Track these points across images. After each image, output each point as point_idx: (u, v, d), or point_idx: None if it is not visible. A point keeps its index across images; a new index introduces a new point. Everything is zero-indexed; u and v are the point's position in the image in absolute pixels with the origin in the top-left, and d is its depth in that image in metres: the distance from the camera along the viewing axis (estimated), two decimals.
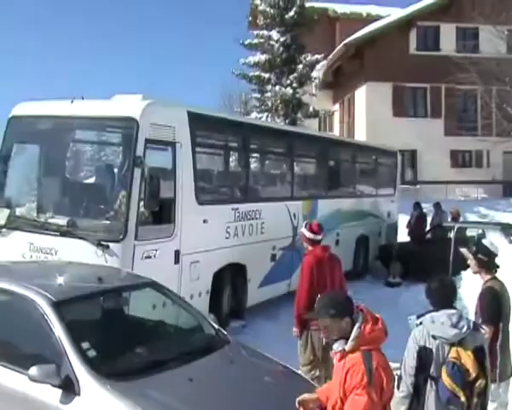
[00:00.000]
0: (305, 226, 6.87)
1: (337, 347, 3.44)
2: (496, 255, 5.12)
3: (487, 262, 5.08)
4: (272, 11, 23.92)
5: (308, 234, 6.70)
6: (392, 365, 4.07)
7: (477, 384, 3.68)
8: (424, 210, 17.32)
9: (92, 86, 61.97)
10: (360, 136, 27.76)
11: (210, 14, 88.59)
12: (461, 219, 16.71)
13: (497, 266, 5.14)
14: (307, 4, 24.68)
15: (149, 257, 7.44)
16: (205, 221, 8.60)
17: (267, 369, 5.06)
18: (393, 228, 16.46)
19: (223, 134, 10.37)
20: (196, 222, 8.40)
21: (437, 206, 17.16)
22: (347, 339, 3.40)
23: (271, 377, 4.99)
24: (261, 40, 24.33)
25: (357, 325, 3.40)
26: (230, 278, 9.44)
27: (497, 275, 5.16)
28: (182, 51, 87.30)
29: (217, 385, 4.32)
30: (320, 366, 6.46)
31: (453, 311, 3.86)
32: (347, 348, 3.38)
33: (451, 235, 13.45)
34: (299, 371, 6.08)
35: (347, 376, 3.30)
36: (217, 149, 10.93)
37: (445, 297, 3.94)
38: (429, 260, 12.75)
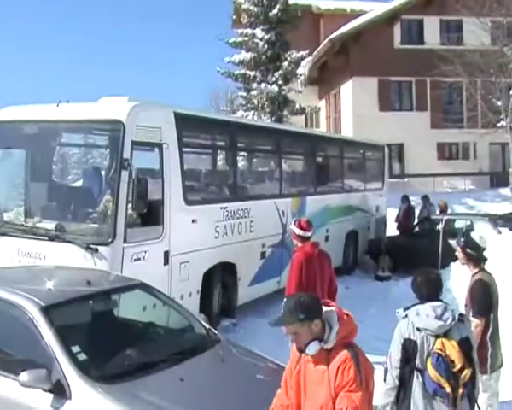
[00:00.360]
0: (295, 223, 6.89)
1: (313, 349, 3.31)
2: (484, 249, 5.17)
3: (476, 256, 5.13)
4: (256, 9, 23.96)
5: (297, 231, 6.72)
6: (382, 357, 4.12)
7: (462, 375, 3.71)
8: (412, 203, 17.41)
9: (77, 90, 61.47)
10: (347, 131, 27.85)
11: (194, 12, 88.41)
12: (449, 211, 16.83)
13: (486, 259, 5.19)
14: (291, 1, 24.73)
15: (139, 259, 7.42)
16: (194, 221, 8.60)
17: (258, 367, 5.08)
18: (382, 222, 16.52)
19: (210, 134, 10.38)
20: (185, 222, 8.40)
21: (425, 199, 17.25)
22: (320, 340, 3.31)
23: (263, 374, 5.00)
24: (245, 38, 24.36)
25: (334, 320, 3.33)
26: (220, 277, 9.45)
27: (485, 267, 5.21)
28: (167, 51, 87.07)
29: (208, 385, 4.34)
30: None
31: (438, 303, 3.89)
32: (330, 345, 3.30)
33: (440, 227, 13.53)
34: None
35: (338, 374, 3.21)
36: (204, 148, 10.93)
37: (430, 290, 3.96)
38: (418, 253, 12.84)
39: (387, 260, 14.31)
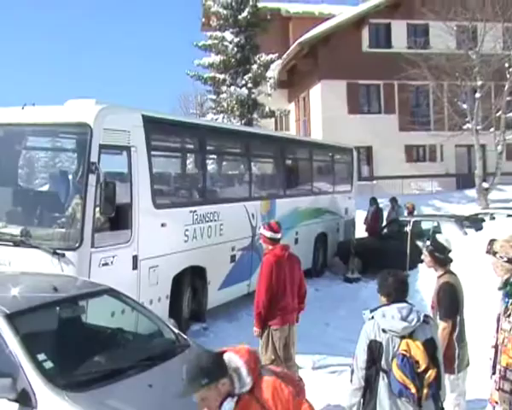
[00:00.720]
0: (264, 227, 6.90)
1: (228, 407, 3.14)
2: (450, 251, 5.25)
3: (443, 258, 5.21)
4: (225, 12, 23.94)
5: (268, 233, 6.73)
6: (350, 359, 4.15)
7: (427, 376, 3.76)
8: (381, 205, 17.60)
9: (43, 95, 60.47)
10: (316, 134, 28.04)
11: (163, 15, 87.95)
12: (416, 212, 17.06)
13: (451, 260, 5.28)
14: (260, 4, 24.78)
15: (107, 264, 7.34)
16: (163, 225, 8.55)
17: None
18: (351, 224, 16.68)
19: (179, 137, 10.33)
20: (154, 226, 8.34)
21: (393, 201, 17.46)
22: (232, 395, 3.15)
23: None
24: (215, 41, 24.34)
25: (240, 365, 3.16)
26: (190, 281, 9.42)
27: (450, 268, 5.29)
28: (135, 54, 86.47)
29: (177, 390, 4.30)
30: (282, 366, 6.49)
31: (404, 305, 3.93)
32: (247, 388, 3.16)
33: (408, 229, 13.69)
34: None
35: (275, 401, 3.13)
36: (173, 151, 10.87)
37: (396, 291, 4.00)
38: (387, 254, 12.98)
39: (357, 261, 14.44)
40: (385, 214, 17.38)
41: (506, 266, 4.41)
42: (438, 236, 5.52)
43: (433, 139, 26.82)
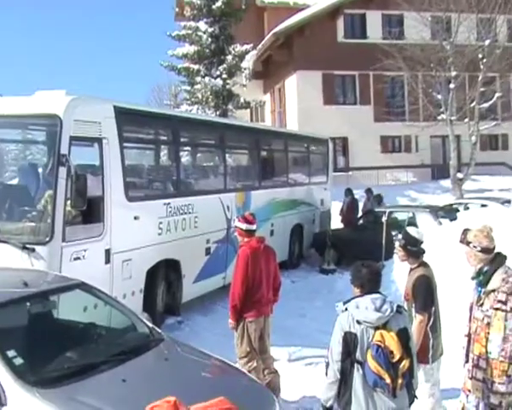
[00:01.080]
0: (238, 219, 6.90)
1: None
2: (422, 242, 5.30)
3: (415, 251, 5.26)
4: (199, 1, 23.83)
5: (243, 226, 6.72)
6: (325, 350, 4.18)
7: (401, 366, 3.81)
8: (356, 196, 17.72)
9: (8, 85, 59.40)
10: (292, 125, 28.10)
11: (137, 4, 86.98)
12: (384, 201, 17.28)
13: (424, 252, 5.33)
14: None
15: (78, 258, 7.28)
16: (136, 218, 8.49)
17: (203, 364, 5.06)
18: (327, 215, 16.75)
19: (151, 128, 10.27)
20: (127, 219, 8.28)
21: (368, 192, 17.59)
22: None
23: (208, 372, 5.00)
24: (189, 31, 24.20)
25: None
26: (164, 275, 9.38)
27: (424, 260, 5.34)
28: (107, 44, 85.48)
29: (151, 385, 4.28)
30: (257, 358, 6.52)
31: (377, 295, 3.97)
32: None
33: (383, 220, 13.80)
34: (237, 364, 6.13)
35: None
36: (146, 143, 10.80)
37: (369, 282, 4.03)
38: (363, 245, 13.08)
39: (332, 253, 14.52)
40: (360, 205, 17.50)
41: (479, 256, 4.46)
42: (409, 228, 5.55)
43: (408, 130, 27.11)
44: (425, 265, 5.30)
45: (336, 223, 17.18)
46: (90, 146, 8.03)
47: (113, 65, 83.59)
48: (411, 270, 5.30)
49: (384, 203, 17.20)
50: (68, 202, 7.16)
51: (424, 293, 5.11)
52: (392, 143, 31.42)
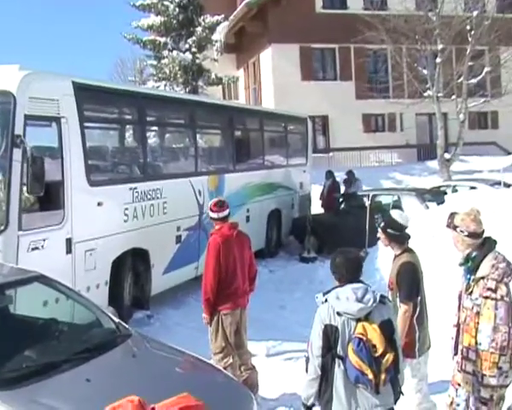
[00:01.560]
0: (208, 207, 6.91)
1: None
2: (406, 227, 5.29)
3: (399, 236, 5.26)
4: None
5: (214, 215, 6.70)
6: (305, 344, 4.20)
7: (384, 360, 3.78)
8: (338, 179, 17.78)
9: None
10: (268, 102, 28.06)
11: None
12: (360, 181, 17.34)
13: (409, 237, 5.33)
14: None
15: (37, 248, 7.22)
16: (99, 204, 8.43)
17: (174, 361, 5.07)
18: (306, 199, 16.76)
19: (115, 106, 10.18)
20: (89, 206, 8.23)
21: (350, 174, 17.66)
22: None
23: (179, 369, 5.01)
24: (154, 1, 23.93)
25: None
26: (131, 266, 9.35)
27: (409, 246, 5.35)
28: (64, 15, 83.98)
29: (118, 383, 4.27)
30: (233, 354, 6.53)
31: (359, 285, 3.94)
32: None
33: (366, 204, 13.88)
34: (211, 361, 6.14)
35: None
36: (109, 123, 10.68)
37: (350, 271, 4.00)
38: (345, 231, 13.16)
39: (313, 240, 14.58)
40: (342, 188, 17.57)
41: (467, 241, 4.46)
42: (392, 211, 5.54)
43: (393, 107, 27.25)
44: (410, 251, 5.30)
45: (316, 208, 17.23)
46: (47, 126, 7.93)
47: (71, 37, 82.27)
48: (396, 257, 5.28)
49: (358, 182, 17.21)
50: (24, 188, 7.08)
51: (409, 281, 5.10)
52: (376, 122, 31.59)
